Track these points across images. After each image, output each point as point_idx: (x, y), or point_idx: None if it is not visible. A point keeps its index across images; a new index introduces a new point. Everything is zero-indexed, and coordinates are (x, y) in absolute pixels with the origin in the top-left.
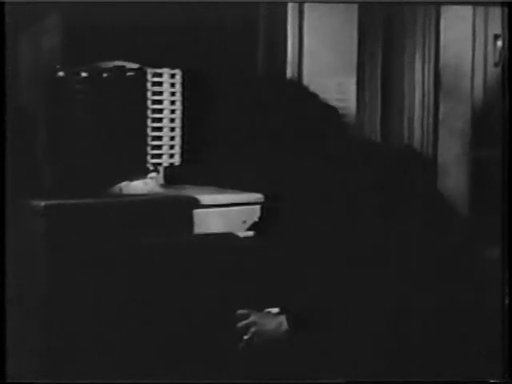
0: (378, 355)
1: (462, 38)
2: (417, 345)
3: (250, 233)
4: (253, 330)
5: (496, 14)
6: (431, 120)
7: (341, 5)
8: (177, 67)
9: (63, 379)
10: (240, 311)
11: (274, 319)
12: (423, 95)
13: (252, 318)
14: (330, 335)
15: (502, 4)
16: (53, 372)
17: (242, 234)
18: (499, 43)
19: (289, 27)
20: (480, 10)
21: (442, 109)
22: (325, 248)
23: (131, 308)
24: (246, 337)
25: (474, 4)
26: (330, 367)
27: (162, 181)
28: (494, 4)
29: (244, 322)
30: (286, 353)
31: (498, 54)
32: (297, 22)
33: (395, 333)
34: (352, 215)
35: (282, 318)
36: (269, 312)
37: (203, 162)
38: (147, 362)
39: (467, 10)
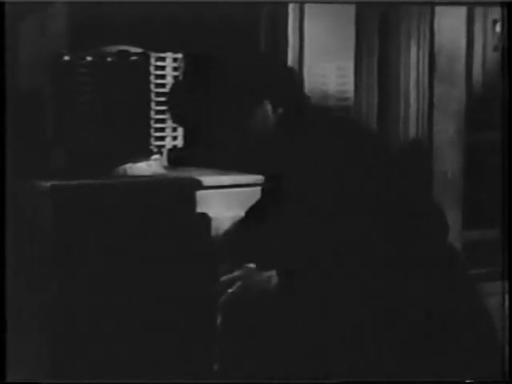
0: (376, 355)
1: (456, 24)
2: (416, 344)
3: (241, 213)
4: (238, 284)
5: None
6: (426, 102)
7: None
8: (179, 51)
9: (63, 379)
10: (224, 265)
11: (262, 273)
12: (418, 79)
13: (237, 272)
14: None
15: (502, 4)
16: (53, 372)
17: (234, 214)
18: (498, 28)
19: (290, 14)
20: None
21: (436, 92)
22: (319, 231)
23: (135, 295)
24: (230, 290)
25: (475, 4)
26: (322, 330)
27: (165, 163)
28: (493, 4)
29: (228, 276)
30: (275, 309)
31: (496, 38)
32: (297, 10)
33: (394, 332)
34: (349, 199)
35: (272, 272)
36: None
37: (206, 144)
38: (147, 362)
39: None
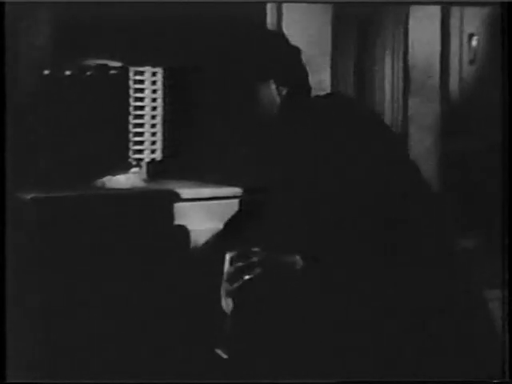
0: (376, 355)
1: (431, 37)
2: (416, 344)
3: (220, 225)
4: (258, 270)
5: (471, 13)
6: (401, 116)
7: (317, 4)
8: (159, 65)
9: (63, 379)
10: (238, 251)
11: (286, 258)
12: (392, 92)
13: (256, 258)
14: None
15: (502, 4)
16: (53, 372)
17: (212, 226)
18: (474, 42)
19: (268, 24)
20: (455, 9)
21: (411, 106)
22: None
23: (126, 301)
24: (247, 276)
25: (474, 4)
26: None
27: (144, 175)
28: (494, 4)
29: (246, 262)
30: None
31: (473, 52)
32: (275, 19)
33: (394, 332)
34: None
35: (296, 257)
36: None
37: (184, 157)
38: (147, 362)
39: (436, 10)
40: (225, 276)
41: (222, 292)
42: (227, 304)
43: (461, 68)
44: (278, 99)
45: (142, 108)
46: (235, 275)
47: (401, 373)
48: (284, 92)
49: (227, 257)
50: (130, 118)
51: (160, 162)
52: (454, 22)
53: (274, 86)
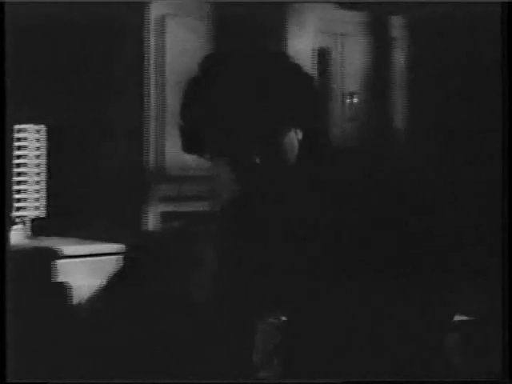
0: (375, 354)
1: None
2: (416, 344)
3: (103, 281)
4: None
5: (352, 74)
6: None
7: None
8: (41, 123)
9: (63, 379)
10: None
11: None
12: None
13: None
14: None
15: (502, 4)
16: (53, 372)
17: (94, 282)
18: (355, 100)
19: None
20: (336, 69)
21: None
22: None
23: None
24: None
25: (473, 4)
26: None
27: (28, 232)
28: (493, 4)
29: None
30: None
31: (353, 109)
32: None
33: (393, 331)
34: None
35: None
36: None
37: (68, 214)
38: (147, 362)
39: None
40: (269, 346)
41: (264, 361)
42: (275, 372)
43: (342, 125)
44: (296, 144)
45: (25, 165)
46: (282, 343)
47: (401, 373)
48: (300, 136)
49: (263, 327)
50: (14, 175)
51: (44, 218)
52: (336, 80)
53: (293, 132)
